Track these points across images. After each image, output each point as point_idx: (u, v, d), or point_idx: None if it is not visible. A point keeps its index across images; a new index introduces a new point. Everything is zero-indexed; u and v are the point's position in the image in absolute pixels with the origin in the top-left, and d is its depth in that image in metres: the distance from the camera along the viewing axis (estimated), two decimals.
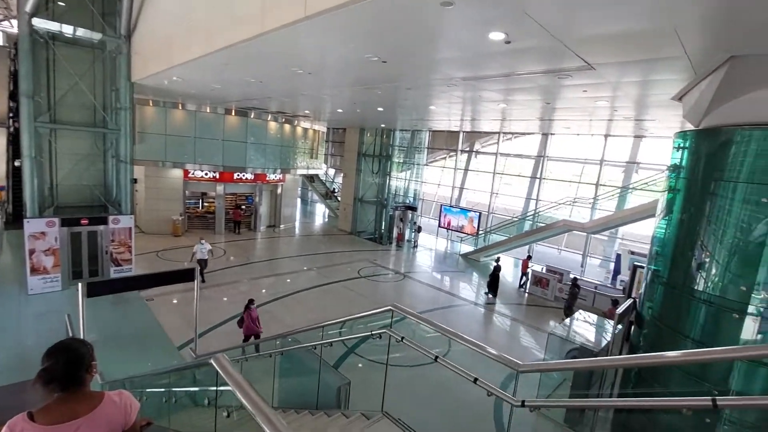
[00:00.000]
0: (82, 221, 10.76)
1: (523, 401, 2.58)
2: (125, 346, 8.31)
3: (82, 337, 5.74)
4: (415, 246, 20.99)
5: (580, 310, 10.27)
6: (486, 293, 13.99)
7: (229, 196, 20.68)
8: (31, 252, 10.05)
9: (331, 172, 34.27)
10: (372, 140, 22.65)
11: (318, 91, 10.26)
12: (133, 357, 7.84)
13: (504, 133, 21.20)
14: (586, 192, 18.39)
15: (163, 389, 5.34)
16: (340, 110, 14.29)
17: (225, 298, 11.72)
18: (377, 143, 22.60)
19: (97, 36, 10.78)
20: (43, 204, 10.81)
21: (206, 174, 18.63)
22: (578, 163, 19.42)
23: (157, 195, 18.26)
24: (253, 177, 20.06)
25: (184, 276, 6.51)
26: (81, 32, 10.65)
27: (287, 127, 21.09)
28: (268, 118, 19.63)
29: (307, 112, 16.25)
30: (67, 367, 1.54)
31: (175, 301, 11.48)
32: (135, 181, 13.55)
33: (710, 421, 4.78)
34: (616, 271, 15.44)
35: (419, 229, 20.97)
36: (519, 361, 2.78)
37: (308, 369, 5.35)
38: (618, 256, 15.93)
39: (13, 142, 16.80)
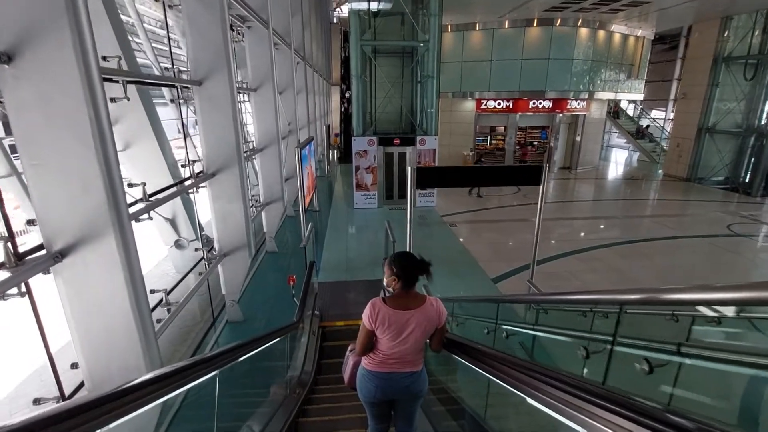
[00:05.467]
0: (395, 141, 10.80)
1: None
2: (440, 267, 7.30)
3: (409, 236, 4.70)
4: None
5: None
6: None
7: (520, 132, 18.21)
8: (356, 169, 10.76)
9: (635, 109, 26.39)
10: (739, 38, 14.74)
11: None
12: (451, 281, 6.66)
13: None
14: None
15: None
16: None
17: (550, 238, 9.41)
18: (752, 41, 14.52)
19: None
20: (365, 127, 11.49)
21: (499, 104, 16.70)
22: None
23: (450, 130, 17.75)
24: (550, 105, 16.73)
25: (532, 175, 4.41)
26: None
27: (601, 34, 16.24)
28: (578, 23, 15.46)
29: None
30: (414, 270, 2.00)
31: (472, 231, 10.16)
32: None
33: None
34: None
35: None
36: None
37: None
38: None
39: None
